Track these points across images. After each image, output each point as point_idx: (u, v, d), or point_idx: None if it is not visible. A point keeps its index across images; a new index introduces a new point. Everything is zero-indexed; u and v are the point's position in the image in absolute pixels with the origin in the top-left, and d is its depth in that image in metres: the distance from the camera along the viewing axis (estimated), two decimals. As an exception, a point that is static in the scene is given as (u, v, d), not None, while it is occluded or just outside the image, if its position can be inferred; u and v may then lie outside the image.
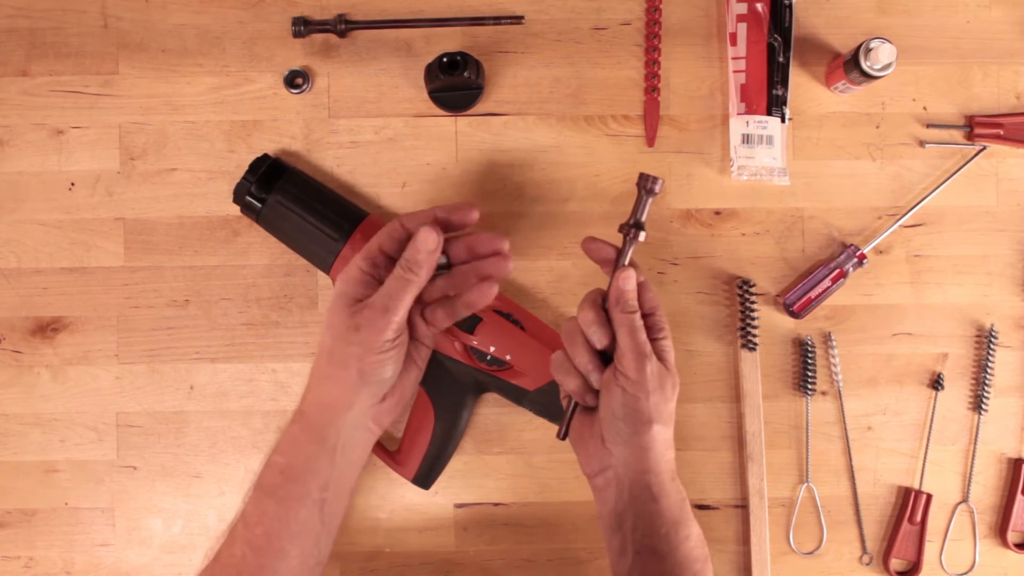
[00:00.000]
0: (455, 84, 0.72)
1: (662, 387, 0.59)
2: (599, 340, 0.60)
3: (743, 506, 0.76)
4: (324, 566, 0.64)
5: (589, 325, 0.61)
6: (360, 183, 0.76)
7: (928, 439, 0.76)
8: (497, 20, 0.75)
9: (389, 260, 0.62)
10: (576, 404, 0.63)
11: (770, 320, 0.76)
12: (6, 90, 0.75)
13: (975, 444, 0.76)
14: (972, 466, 0.76)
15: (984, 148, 0.76)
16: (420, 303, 0.64)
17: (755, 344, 0.75)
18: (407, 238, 0.62)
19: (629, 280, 0.61)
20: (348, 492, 0.64)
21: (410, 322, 0.63)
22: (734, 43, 0.75)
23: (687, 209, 0.76)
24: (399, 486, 0.75)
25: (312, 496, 0.61)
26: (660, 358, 0.60)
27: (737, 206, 0.77)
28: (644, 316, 0.61)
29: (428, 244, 0.60)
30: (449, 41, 0.76)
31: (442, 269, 0.64)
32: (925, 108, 0.77)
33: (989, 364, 0.76)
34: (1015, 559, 0.76)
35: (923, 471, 0.76)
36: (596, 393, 0.62)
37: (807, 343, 0.76)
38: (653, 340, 0.61)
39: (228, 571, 0.61)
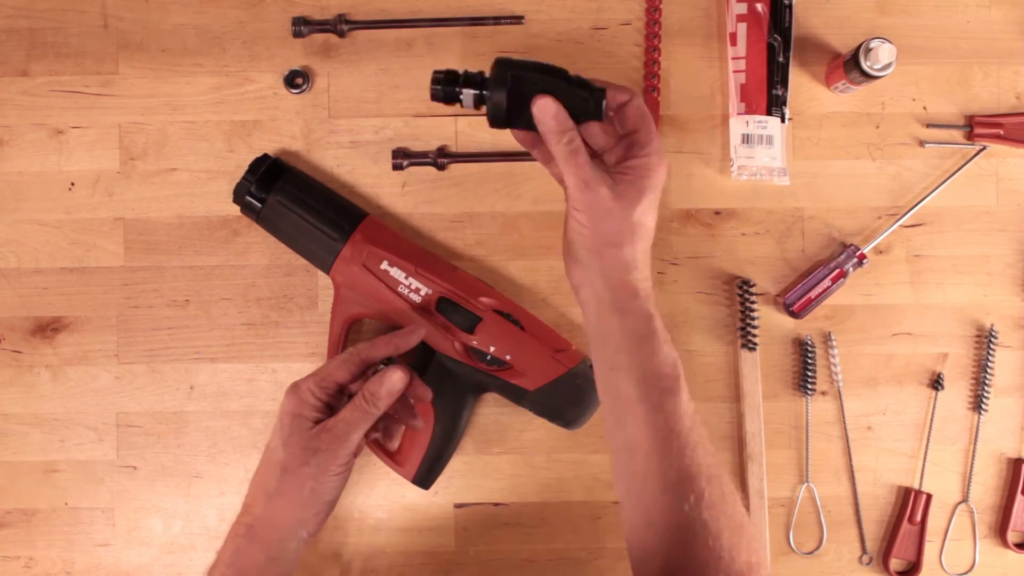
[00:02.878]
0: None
1: (621, 210, 0.57)
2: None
3: (743, 506, 0.76)
4: None
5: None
6: (360, 183, 0.76)
7: (928, 439, 0.76)
8: (497, 20, 0.75)
9: (339, 388, 0.65)
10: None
11: (770, 320, 0.76)
12: (6, 90, 0.75)
13: (975, 444, 0.76)
14: (972, 466, 0.76)
15: (984, 148, 0.76)
16: None
17: (755, 344, 0.75)
18: (362, 369, 0.65)
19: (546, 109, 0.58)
20: None
21: None
22: (734, 43, 0.75)
23: (687, 209, 0.76)
24: (399, 486, 0.75)
25: None
26: (631, 179, 0.58)
27: (737, 206, 0.77)
28: (627, 134, 0.60)
29: (395, 386, 0.63)
30: (449, 41, 0.76)
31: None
32: (925, 108, 0.77)
33: (989, 364, 0.76)
34: (1015, 559, 0.76)
35: (923, 471, 0.76)
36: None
37: (807, 343, 0.76)
38: (633, 157, 0.59)
39: None
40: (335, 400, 0.65)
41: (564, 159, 0.58)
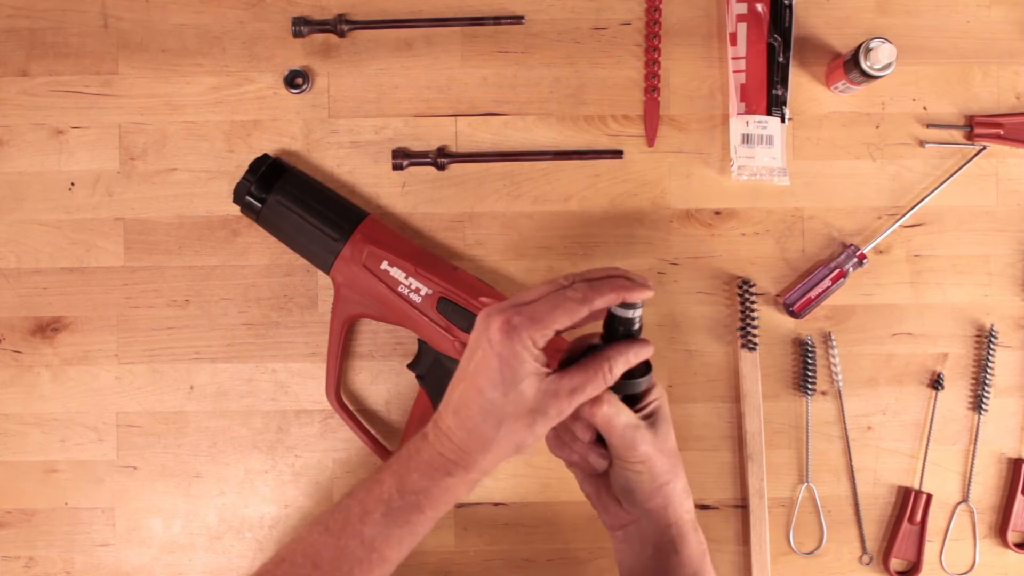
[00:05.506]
0: None
1: (662, 449, 0.59)
2: (583, 435, 0.60)
3: (743, 506, 0.76)
4: None
5: (571, 424, 0.60)
6: (360, 183, 0.76)
7: (928, 439, 0.76)
8: (497, 20, 0.75)
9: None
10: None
11: (770, 320, 0.76)
12: (6, 90, 0.75)
13: (975, 444, 0.76)
14: (972, 466, 0.76)
15: (984, 148, 0.76)
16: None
17: (755, 344, 0.75)
18: (584, 319, 0.56)
19: (600, 409, 0.58)
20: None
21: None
22: (734, 43, 0.75)
23: (687, 209, 0.76)
24: (399, 486, 0.75)
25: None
26: (654, 417, 0.59)
27: (737, 206, 0.77)
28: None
29: (641, 356, 0.57)
30: (449, 41, 0.76)
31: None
32: (925, 108, 0.77)
33: (989, 364, 0.76)
34: (1015, 559, 0.76)
35: (923, 471, 0.76)
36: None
37: (807, 343, 0.76)
38: (645, 405, 0.60)
39: None
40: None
41: (605, 428, 0.58)
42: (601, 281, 0.56)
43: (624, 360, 0.57)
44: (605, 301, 0.55)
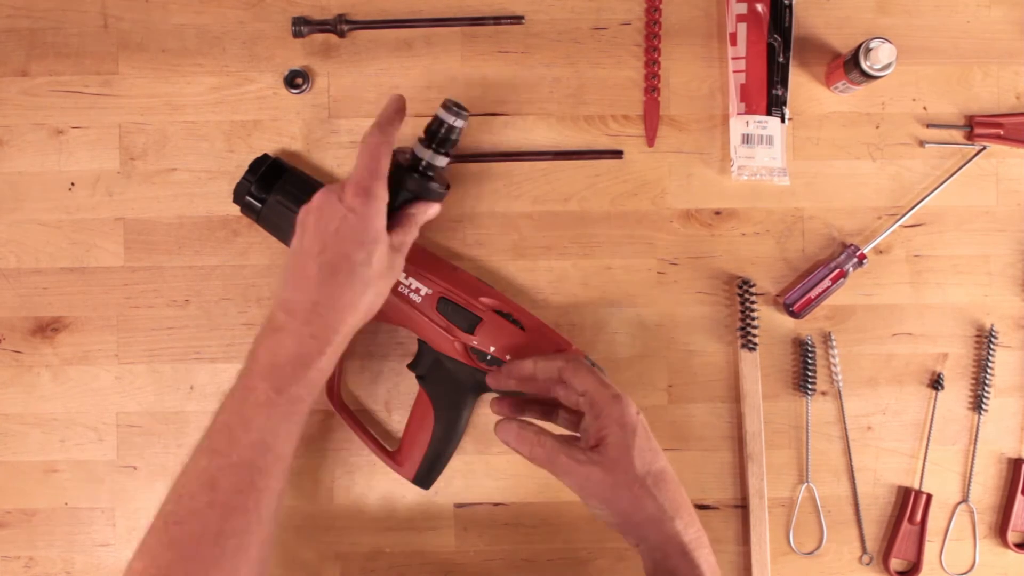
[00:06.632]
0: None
1: (624, 476, 0.58)
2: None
3: (743, 506, 0.76)
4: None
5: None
6: (360, 183, 0.76)
7: (928, 439, 0.76)
8: (497, 20, 0.75)
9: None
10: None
11: (770, 320, 0.76)
12: (6, 90, 0.75)
13: (975, 444, 0.76)
14: (972, 466, 0.76)
15: (984, 148, 0.76)
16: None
17: (755, 344, 0.75)
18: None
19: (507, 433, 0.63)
20: None
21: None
22: (734, 43, 0.75)
23: (687, 209, 0.76)
24: (399, 486, 0.75)
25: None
26: (609, 433, 0.59)
27: (737, 206, 0.77)
28: (583, 394, 0.61)
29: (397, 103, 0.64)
30: (449, 41, 0.76)
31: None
32: (925, 108, 0.77)
33: (989, 364, 0.76)
34: (1015, 559, 0.76)
35: (923, 471, 0.76)
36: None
37: (807, 343, 0.76)
38: (595, 419, 0.60)
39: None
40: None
41: (547, 466, 0.60)
42: (381, 113, 0.64)
43: (424, 215, 0.66)
44: (389, 119, 0.63)
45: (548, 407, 0.67)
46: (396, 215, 0.65)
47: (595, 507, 0.60)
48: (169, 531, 0.57)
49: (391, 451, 0.74)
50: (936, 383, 0.76)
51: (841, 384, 0.76)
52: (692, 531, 0.60)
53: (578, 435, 0.63)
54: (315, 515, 0.75)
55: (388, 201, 0.62)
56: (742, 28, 0.75)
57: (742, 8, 0.75)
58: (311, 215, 0.61)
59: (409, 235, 0.65)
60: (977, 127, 0.76)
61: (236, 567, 0.56)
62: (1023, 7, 0.77)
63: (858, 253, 0.75)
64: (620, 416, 0.59)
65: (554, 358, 0.63)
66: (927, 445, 0.76)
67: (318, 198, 0.62)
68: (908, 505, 0.75)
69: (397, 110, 0.64)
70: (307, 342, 0.58)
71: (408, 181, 0.66)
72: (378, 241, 0.60)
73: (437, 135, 0.67)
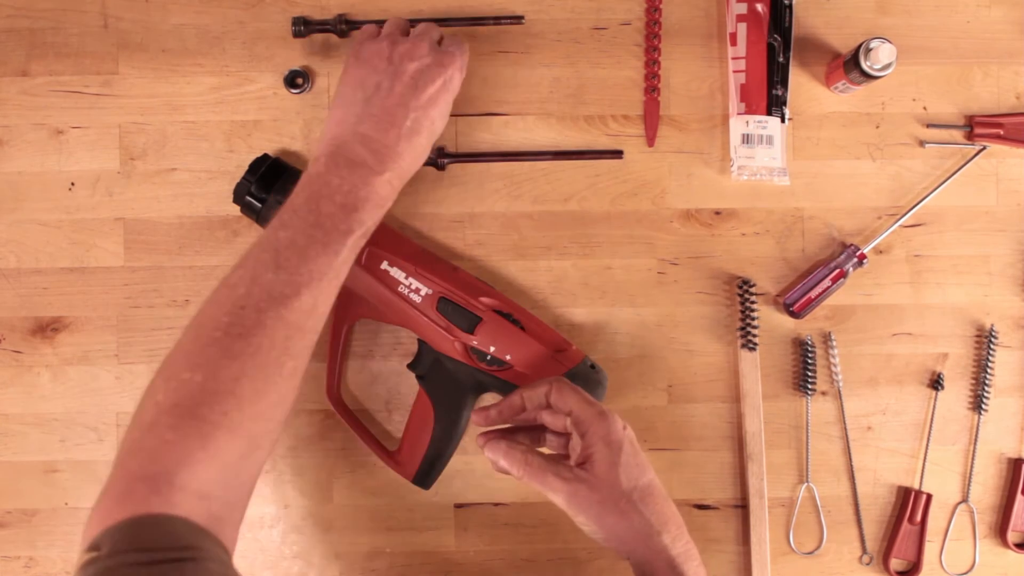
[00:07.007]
0: None
1: (610, 492, 0.59)
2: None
3: (743, 506, 0.76)
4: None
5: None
6: (360, 183, 0.76)
7: (928, 439, 0.76)
8: (497, 20, 0.75)
9: None
10: None
11: (770, 320, 0.76)
12: (6, 90, 0.75)
13: (975, 444, 0.76)
14: (972, 466, 0.76)
15: (984, 148, 0.76)
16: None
17: (755, 344, 0.75)
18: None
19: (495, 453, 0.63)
20: None
21: None
22: (734, 43, 0.75)
23: (687, 209, 0.77)
24: (399, 486, 0.75)
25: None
26: (596, 451, 0.59)
27: (737, 206, 0.77)
28: (569, 413, 0.61)
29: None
30: (449, 41, 0.76)
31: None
32: (925, 108, 0.77)
33: (989, 364, 0.76)
34: (1015, 559, 0.76)
35: (923, 471, 0.76)
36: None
37: (807, 343, 0.76)
38: (582, 436, 0.60)
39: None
40: None
41: (535, 484, 0.60)
42: None
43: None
44: None
45: (536, 432, 0.67)
46: None
47: (583, 523, 0.60)
48: (233, 345, 0.54)
49: (391, 451, 0.74)
50: (936, 383, 0.76)
51: (841, 384, 0.76)
52: (680, 544, 0.60)
53: (567, 454, 0.63)
54: (315, 515, 0.75)
55: None
56: (742, 28, 0.75)
57: (742, 8, 0.75)
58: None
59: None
60: (977, 127, 0.76)
61: (285, 395, 0.55)
62: (1023, 7, 0.77)
63: (858, 253, 0.75)
64: (606, 433, 0.60)
65: (539, 385, 0.63)
66: (927, 445, 0.76)
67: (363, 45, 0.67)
68: (908, 505, 0.75)
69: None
70: (385, 187, 0.62)
71: None
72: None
73: None
